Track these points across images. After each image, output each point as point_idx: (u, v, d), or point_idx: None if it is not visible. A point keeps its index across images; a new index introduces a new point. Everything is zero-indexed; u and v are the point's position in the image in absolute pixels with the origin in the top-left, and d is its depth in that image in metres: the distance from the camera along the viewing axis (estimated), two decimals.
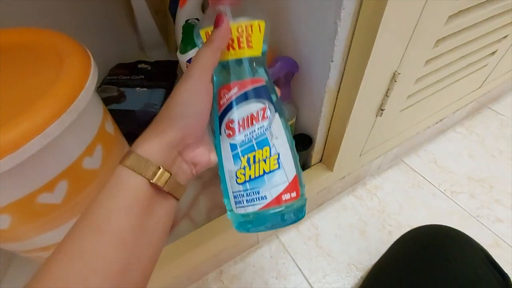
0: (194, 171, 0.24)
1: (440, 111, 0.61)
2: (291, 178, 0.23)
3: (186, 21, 0.44)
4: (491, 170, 0.70)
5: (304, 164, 0.54)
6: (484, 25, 0.44)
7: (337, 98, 0.41)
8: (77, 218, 0.31)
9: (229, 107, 0.23)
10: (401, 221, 0.61)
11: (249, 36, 0.23)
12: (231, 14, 0.22)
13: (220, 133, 0.23)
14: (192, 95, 0.22)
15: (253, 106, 0.23)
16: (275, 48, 0.43)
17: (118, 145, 0.36)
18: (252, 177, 0.22)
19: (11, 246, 0.31)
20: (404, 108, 0.49)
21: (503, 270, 0.35)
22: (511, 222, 0.60)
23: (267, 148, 0.22)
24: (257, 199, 0.22)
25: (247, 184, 0.22)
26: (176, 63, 0.70)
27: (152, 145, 0.21)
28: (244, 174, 0.22)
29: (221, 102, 0.23)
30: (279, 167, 0.23)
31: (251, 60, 0.24)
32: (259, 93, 0.23)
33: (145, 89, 0.63)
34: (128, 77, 0.66)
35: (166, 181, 0.20)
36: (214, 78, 0.24)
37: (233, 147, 0.23)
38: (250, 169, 0.22)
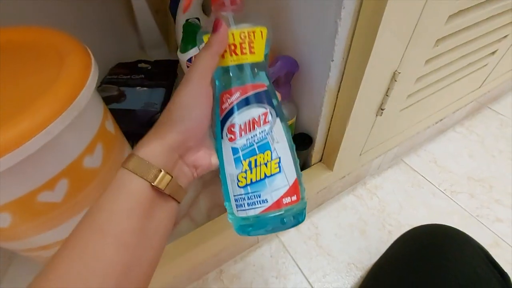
0: (195, 174, 0.25)
1: (440, 111, 0.61)
2: (291, 181, 0.23)
3: (187, 20, 0.44)
4: (491, 170, 0.70)
5: (304, 164, 0.54)
6: (484, 25, 0.44)
7: (337, 97, 0.41)
8: (77, 217, 0.31)
9: (231, 112, 0.23)
10: (401, 221, 0.61)
11: (251, 42, 0.23)
12: (233, 20, 0.23)
13: (222, 137, 0.24)
14: (191, 98, 0.22)
15: (255, 111, 0.23)
16: (276, 47, 0.43)
17: (118, 144, 0.36)
18: (253, 180, 0.23)
19: (11, 244, 0.31)
20: (404, 108, 0.49)
21: (502, 269, 0.35)
22: (511, 222, 0.60)
23: (268, 152, 0.23)
24: (258, 202, 0.22)
25: (248, 187, 0.23)
26: (176, 62, 0.70)
27: (153, 148, 0.21)
28: (246, 178, 0.23)
29: (223, 107, 0.24)
30: (280, 170, 0.23)
31: (253, 65, 0.24)
32: (260, 98, 0.23)
33: (145, 88, 0.63)
34: (128, 76, 0.66)
35: (167, 184, 0.21)
36: (216, 82, 0.25)
37: (234, 151, 0.23)
38: (251, 172, 0.23)
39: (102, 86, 0.62)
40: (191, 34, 0.41)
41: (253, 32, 0.23)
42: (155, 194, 0.20)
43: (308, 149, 0.49)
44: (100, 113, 0.33)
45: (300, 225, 0.59)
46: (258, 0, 0.40)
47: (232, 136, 0.23)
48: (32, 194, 0.26)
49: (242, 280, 0.53)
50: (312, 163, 0.52)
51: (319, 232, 0.59)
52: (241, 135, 0.23)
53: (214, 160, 0.25)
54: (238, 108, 0.23)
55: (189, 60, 0.42)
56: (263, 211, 0.22)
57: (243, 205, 0.23)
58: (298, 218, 0.24)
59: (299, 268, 0.54)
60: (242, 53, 0.23)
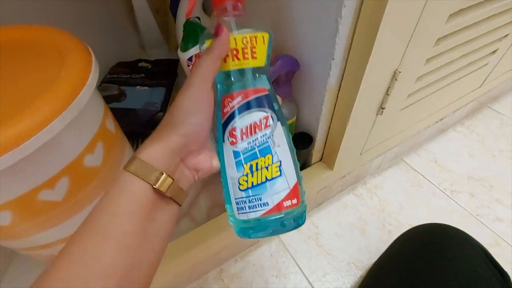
0: (196, 176, 0.25)
1: (440, 110, 0.61)
2: (292, 185, 0.23)
3: (187, 19, 0.44)
4: (491, 169, 0.70)
5: (304, 163, 0.54)
6: (485, 24, 0.44)
7: (337, 96, 0.41)
8: (77, 216, 0.31)
9: (232, 116, 0.23)
10: (401, 220, 0.61)
11: (254, 47, 0.23)
12: (235, 25, 0.23)
13: (224, 141, 0.24)
14: (193, 102, 0.22)
15: (256, 115, 0.23)
16: (276, 46, 0.43)
17: (119, 143, 0.36)
18: (255, 184, 0.23)
19: (12, 243, 0.31)
20: (405, 107, 0.49)
21: (502, 268, 0.35)
22: (511, 221, 0.60)
23: (269, 155, 0.23)
24: (259, 205, 0.23)
25: (250, 190, 0.23)
26: (176, 61, 0.70)
27: (155, 151, 0.21)
28: (247, 181, 0.23)
29: (225, 111, 0.24)
30: (280, 174, 0.23)
31: (255, 70, 0.24)
32: (262, 102, 0.24)
33: (145, 87, 0.63)
34: (129, 75, 0.66)
35: (169, 187, 0.21)
36: (218, 86, 0.25)
37: (236, 154, 0.23)
38: (252, 176, 0.23)
39: (102, 85, 0.62)
40: (192, 33, 0.41)
41: (255, 37, 0.23)
42: (156, 197, 0.21)
43: (308, 148, 0.49)
44: (100, 112, 0.33)
45: None
46: None
47: (234, 140, 0.23)
48: (33, 192, 0.26)
49: (242, 280, 0.53)
50: (312, 162, 0.52)
51: (319, 231, 0.59)
52: (242, 138, 0.23)
53: (215, 163, 0.25)
54: (240, 112, 0.23)
55: (190, 59, 0.42)
56: (264, 214, 0.23)
57: (244, 208, 0.23)
58: (298, 221, 0.24)
59: (299, 267, 0.54)
60: (244, 58, 0.23)
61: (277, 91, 0.42)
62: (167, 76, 0.67)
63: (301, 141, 0.48)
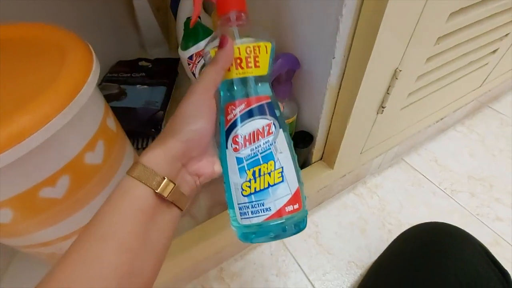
0: (198, 182, 0.25)
1: (440, 110, 0.61)
2: (293, 190, 0.24)
3: (188, 18, 0.44)
4: (492, 169, 0.70)
5: (304, 162, 0.54)
6: (485, 23, 0.44)
7: (338, 95, 0.41)
8: (78, 213, 0.31)
9: (235, 123, 0.24)
10: (401, 220, 0.61)
11: (257, 57, 0.24)
12: (238, 34, 0.24)
13: (227, 147, 0.24)
14: (195, 109, 0.23)
15: (259, 122, 0.24)
16: (277, 45, 0.43)
17: (119, 142, 0.36)
18: (257, 189, 0.23)
19: (12, 241, 0.31)
20: (405, 106, 0.49)
21: (503, 267, 0.35)
22: (511, 221, 0.60)
23: (271, 162, 0.24)
24: (262, 210, 0.23)
25: (252, 196, 0.23)
26: (177, 60, 0.70)
27: (157, 156, 0.22)
28: (250, 187, 0.23)
29: (228, 118, 0.24)
30: (283, 180, 0.24)
31: (257, 78, 0.25)
32: (264, 110, 0.24)
33: (145, 86, 0.63)
34: (129, 74, 0.66)
35: (170, 191, 0.21)
36: (221, 94, 0.25)
37: (239, 160, 0.24)
38: (255, 182, 0.23)
39: (102, 84, 0.62)
40: (192, 32, 0.41)
41: (258, 47, 0.24)
42: (158, 201, 0.21)
43: (309, 147, 0.49)
44: (101, 110, 0.33)
45: None
46: None
47: (237, 146, 0.24)
48: (34, 190, 0.26)
49: (242, 278, 0.53)
50: (313, 161, 0.52)
51: (319, 230, 0.59)
52: (245, 145, 0.24)
53: (217, 168, 0.25)
54: (243, 120, 0.24)
55: (190, 57, 0.42)
56: (267, 219, 0.23)
57: (247, 213, 0.24)
58: (299, 225, 0.25)
59: (299, 266, 0.54)
60: (247, 66, 0.24)
61: (278, 89, 0.42)
62: (167, 75, 0.67)
63: (302, 140, 0.48)
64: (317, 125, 0.45)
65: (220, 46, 0.23)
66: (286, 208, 0.23)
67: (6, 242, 0.32)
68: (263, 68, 0.25)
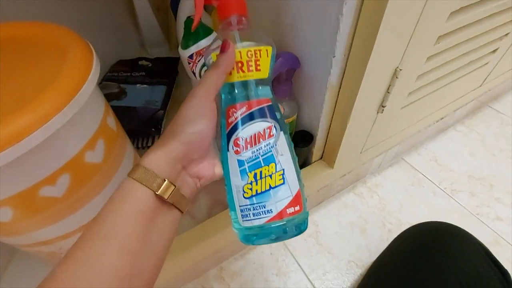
0: (199, 184, 0.25)
1: (441, 109, 0.61)
2: (294, 192, 0.24)
3: (188, 17, 0.44)
4: (492, 168, 0.70)
5: (305, 161, 0.54)
6: (486, 23, 0.44)
7: (338, 94, 0.41)
8: (78, 212, 0.31)
9: (237, 125, 0.24)
10: (401, 219, 0.61)
11: (258, 60, 0.24)
12: (239, 38, 0.24)
13: (228, 150, 0.25)
14: (196, 112, 0.23)
15: (260, 125, 0.24)
16: (277, 44, 0.43)
17: (120, 141, 0.36)
18: (259, 192, 0.24)
19: (12, 239, 0.31)
20: (405, 105, 0.49)
21: (503, 267, 0.35)
22: (511, 220, 0.60)
23: (273, 164, 0.24)
24: (263, 212, 0.23)
25: (254, 198, 0.24)
26: (177, 60, 0.70)
27: (158, 158, 0.22)
28: (251, 189, 0.24)
29: (229, 120, 0.24)
30: (284, 182, 0.24)
31: (258, 81, 0.25)
32: (265, 113, 0.25)
33: (146, 86, 0.63)
34: (129, 74, 0.65)
35: (171, 193, 0.21)
36: (223, 96, 0.26)
37: (240, 163, 0.24)
38: (256, 184, 0.24)
39: (102, 83, 0.62)
40: (193, 31, 0.41)
41: (259, 51, 0.24)
42: (158, 203, 0.21)
43: (309, 146, 0.49)
44: (101, 109, 0.33)
45: None
46: None
47: (238, 149, 0.24)
48: (34, 188, 0.26)
49: (242, 278, 0.53)
50: (313, 161, 0.52)
51: (319, 230, 0.59)
52: (246, 148, 0.24)
53: (217, 170, 0.26)
54: (244, 122, 0.24)
55: (190, 56, 0.42)
56: (268, 221, 0.23)
57: (248, 215, 0.24)
58: (300, 227, 0.25)
59: (299, 266, 0.54)
60: (248, 70, 0.24)
61: (278, 89, 0.42)
62: (167, 74, 0.67)
63: (302, 139, 0.48)
64: (317, 125, 0.45)
65: (222, 50, 0.23)
66: (287, 210, 0.24)
67: (6, 241, 0.32)
68: (264, 72, 0.25)
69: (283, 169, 0.24)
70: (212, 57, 0.25)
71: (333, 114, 0.44)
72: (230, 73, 0.24)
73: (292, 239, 0.56)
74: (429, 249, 0.38)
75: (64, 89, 0.25)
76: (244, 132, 0.24)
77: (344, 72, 0.38)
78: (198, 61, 0.43)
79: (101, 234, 0.19)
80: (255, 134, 0.24)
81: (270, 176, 0.24)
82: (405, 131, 0.59)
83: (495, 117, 0.83)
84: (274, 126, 0.24)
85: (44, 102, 0.24)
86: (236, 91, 0.25)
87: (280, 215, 0.23)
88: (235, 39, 0.24)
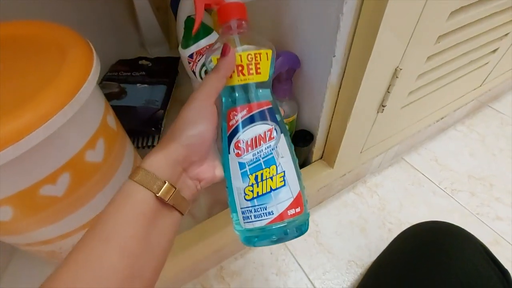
0: (199, 186, 0.26)
1: (441, 109, 0.61)
2: (295, 194, 0.24)
3: (188, 16, 0.44)
4: (492, 168, 0.70)
5: (305, 161, 0.54)
6: (486, 22, 0.44)
7: (338, 94, 0.41)
8: (78, 211, 0.31)
9: (237, 128, 0.24)
10: (401, 219, 0.61)
11: (258, 64, 0.25)
12: (239, 42, 0.24)
13: (229, 152, 0.25)
14: (196, 115, 0.23)
15: (261, 127, 0.24)
16: (277, 43, 0.43)
17: (120, 140, 0.36)
18: (260, 193, 0.24)
19: (12, 239, 0.31)
20: (405, 105, 0.49)
21: (503, 266, 0.35)
22: (511, 220, 0.60)
23: (273, 166, 0.24)
24: (265, 214, 0.24)
25: (255, 200, 0.24)
26: (177, 59, 0.70)
27: (158, 160, 0.22)
28: (252, 191, 0.24)
29: (230, 123, 0.25)
30: (284, 184, 0.24)
31: (259, 84, 0.25)
32: (266, 115, 0.25)
33: (146, 85, 0.63)
34: (129, 73, 0.65)
35: (171, 195, 0.22)
36: (223, 99, 0.26)
37: (241, 165, 0.24)
38: (257, 186, 0.24)
39: (102, 83, 0.62)
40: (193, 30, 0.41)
41: (259, 54, 0.25)
42: (159, 205, 0.21)
43: (309, 146, 0.49)
44: (101, 108, 0.33)
45: None
46: None
47: (239, 152, 0.24)
48: (34, 187, 0.26)
49: (242, 277, 0.53)
50: (313, 160, 0.52)
51: (319, 229, 0.59)
52: (247, 150, 0.24)
53: (218, 172, 0.26)
54: (245, 125, 0.24)
55: (191, 56, 0.42)
56: (269, 222, 0.24)
57: (250, 217, 0.24)
58: (301, 228, 0.25)
59: (299, 265, 0.54)
60: (249, 73, 0.24)
61: (278, 88, 0.42)
62: (167, 74, 0.67)
63: (302, 139, 0.48)
64: (318, 124, 0.45)
65: (222, 54, 0.24)
66: (288, 211, 0.24)
67: (6, 240, 0.32)
68: (264, 75, 0.25)
69: (284, 171, 0.24)
70: (213, 60, 0.25)
71: (333, 114, 0.44)
72: (231, 77, 0.24)
73: None
74: (429, 248, 0.38)
75: (64, 88, 0.25)
76: (245, 135, 0.24)
77: (344, 72, 0.38)
78: (198, 60, 0.43)
79: (102, 235, 0.19)
80: (256, 136, 0.24)
81: (271, 178, 0.24)
82: (405, 131, 0.59)
83: (495, 117, 0.83)
84: (275, 129, 0.25)
85: (44, 101, 0.24)
86: (237, 94, 0.25)
87: (281, 216, 0.24)
88: (236, 43, 0.25)
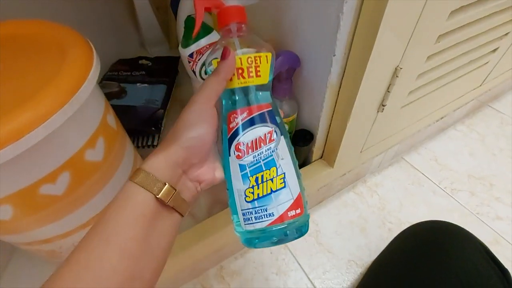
0: (199, 188, 0.26)
1: (441, 109, 0.61)
2: (295, 195, 0.25)
3: (188, 16, 0.44)
4: (492, 168, 0.70)
5: (305, 160, 0.54)
6: (486, 22, 0.44)
7: (338, 93, 0.41)
8: (78, 210, 0.31)
9: (238, 131, 0.25)
10: (401, 218, 0.61)
11: (258, 66, 0.25)
12: (239, 45, 0.25)
13: (229, 154, 0.25)
14: (196, 117, 0.24)
15: (261, 130, 0.25)
16: (277, 42, 0.43)
17: (120, 139, 0.36)
18: (260, 195, 0.24)
19: (12, 238, 0.31)
20: (405, 105, 0.49)
21: (503, 266, 0.35)
22: (510, 220, 0.60)
23: (274, 168, 0.24)
24: (265, 216, 0.24)
25: (256, 202, 0.24)
26: (177, 59, 0.70)
27: (159, 162, 0.22)
28: (253, 193, 0.24)
29: (231, 126, 0.25)
30: (285, 185, 0.24)
31: (258, 87, 0.26)
32: (266, 118, 0.25)
33: (146, 85, 0.63)
34: (129, 73, 0.65)
35: (171, 197, 0.22)
36: (224, 102, 0.26)
37: (242, 167, 0.24)
38: (258, 188, 0.24)
39: (102, 82, 0.62)
40: (193, 30, 0.41)
41: (259, 57, 0.25)
42: (159, 207, 0.22)
43: (309, 145, 0.49)
44: (101, 107, 0.33)
45: None
46: None
47: (240, 154, 0.24)
48: (34, 186, 0.26)
49: (242, 277, 0.53)
50: (313, 160, 0.52)
51: (319, 229, 0.59)
52: (248, 152, 0.24)
53: (218, 174, 0.26)
54: (245, 127, 0.25)
55: (191, 55, 0.42)
56: (270, 224, 0.24)
57: (250, 219, 0.24)
58: (301, 229, 0.25)
59: (299, 265, 0.54)
60: (249, 76, 0.25)
61: (278, 88, 0.42)
62: (167, 74, 0.66)
63: (302, 139, 0.48)
64: (317, 124, 0.45)
65: (223, 57, 0.24)
66: (288, 213, 0.24)
67: (6, 239, 0.32)
68: (264, 77, 0.25)
69: (284, 173, 0.24)
70: (213, 63, 0.25)
71: (333, 113, 0.44)
72: (231, 79, 0.25)
73: None
74: (429, 248, 0.38)
75: (64, 87, 0.25)
76: (245, 137, 0.24)
77: (344, 71, 0.38)
78: (198, 60, 0.43)
79: (103, 237, 0.19)
80: (256, 139, 0.24)
81: (271, 180, 0.24)
82: (405, 130, 0.59)
83: (495, 117, 0.83)
84: (275, 131, 0.25)
85: (44, 100, 0.24)
86: (237, 96, 0.25)
87: (282, 218, 0.24)
88: (235, 46, 0.25)
